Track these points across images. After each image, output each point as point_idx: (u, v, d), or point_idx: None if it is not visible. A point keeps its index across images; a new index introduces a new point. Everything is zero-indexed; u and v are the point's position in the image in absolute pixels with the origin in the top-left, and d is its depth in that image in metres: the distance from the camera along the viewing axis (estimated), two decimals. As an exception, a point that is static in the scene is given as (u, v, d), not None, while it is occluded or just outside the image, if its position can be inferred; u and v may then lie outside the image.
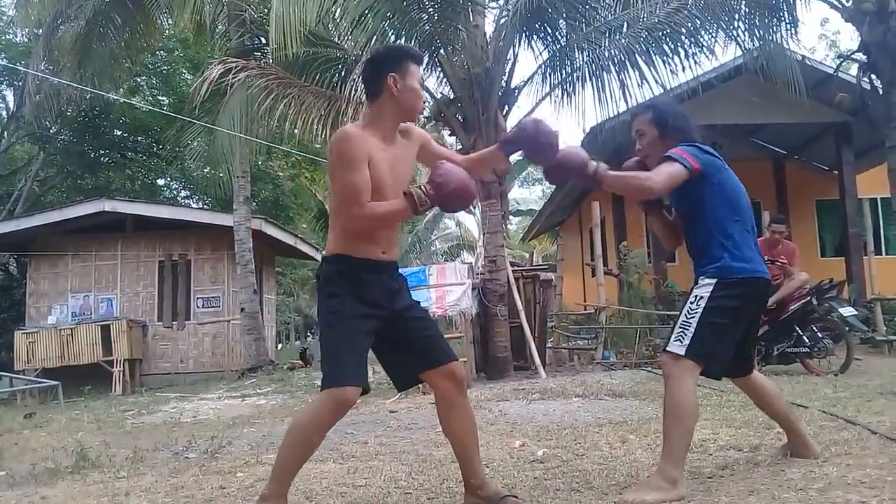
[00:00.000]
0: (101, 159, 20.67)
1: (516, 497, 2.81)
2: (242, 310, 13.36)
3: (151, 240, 14.38)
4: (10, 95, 19.31)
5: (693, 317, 2.90)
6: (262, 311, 14.65)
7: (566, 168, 2.98)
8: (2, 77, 18.53)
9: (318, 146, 14.26)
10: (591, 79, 9.39)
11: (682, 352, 2.86)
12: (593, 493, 2.93)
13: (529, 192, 37.16)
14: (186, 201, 23.24)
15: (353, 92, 9.31)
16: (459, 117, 9.47)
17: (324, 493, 3.24)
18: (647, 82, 9.27)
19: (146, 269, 14.39)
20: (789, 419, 3.26)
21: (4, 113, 19.66)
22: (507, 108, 9.52)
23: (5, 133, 19.36)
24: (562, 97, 9.71)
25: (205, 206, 20.64)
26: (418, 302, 3.00)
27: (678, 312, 3.03)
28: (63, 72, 13.02)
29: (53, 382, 10.01)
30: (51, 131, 18.65)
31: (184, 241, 14.39)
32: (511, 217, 26.55)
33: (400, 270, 2.93)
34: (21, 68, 15.34)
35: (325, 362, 2.67)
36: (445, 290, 7.92)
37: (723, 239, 2.98)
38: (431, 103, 9.79)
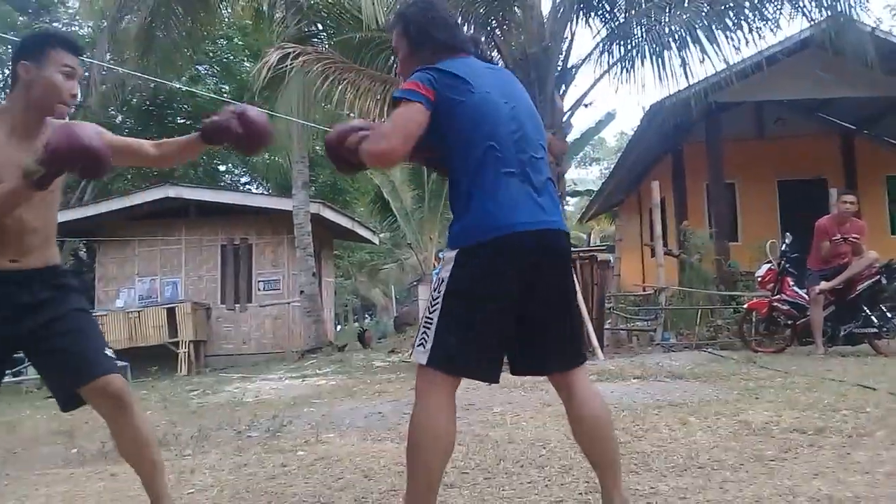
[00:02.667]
0: (165, 147, 21.17)
1: None
2: (302, 292, 13.57)
3: (214, 225, 14.69)
4: (77, 86, 19.91)
5: (434, 310, 2.17)
6: (321, 294, 14.86)
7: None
8: (70, 68, 19.11)
9: (374, 130, 14.33)
10: (650, 56, 9.20)
11: (423, 360, 2.16)
12: (652, 474, 2.89)
13: (587, 173, 36.84)
14: (247, 187, 23.67)
15: (408, 75, 9.32)
16: (515, 98, 9.39)
17: (382, 472, 3.28)
18: (709, 58, 9.05)
19: (209, 252, 14.73)
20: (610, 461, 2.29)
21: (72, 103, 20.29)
22: (563, 87, 9.41)
23: (74, 122, 19.99)
24: (620, 75, 9.55)
25: (265, 192, 20.98)
26: (80, 309, 2.52)
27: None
28: (127, 62, 13.37)
29: (122, 363, 10.34)
30: (116, 120, 19.16)
31: (245, 225, 14.68)
32: (568, 198, 26.31)
33: (47, 277, 2.47)
34: (87, 59, 15.79)
35: None
36: (502, 272, 7.89)
37: (464, 189, 2.18)
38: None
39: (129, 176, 21.40)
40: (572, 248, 9.77)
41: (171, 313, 13.26)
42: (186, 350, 12.94)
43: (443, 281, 2.17)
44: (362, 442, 4.06)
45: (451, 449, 2.19)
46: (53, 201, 2.51)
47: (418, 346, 2.18)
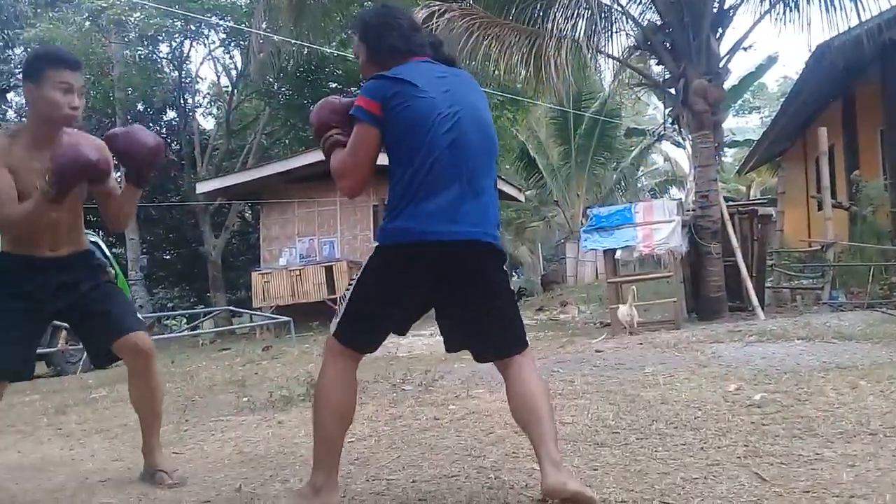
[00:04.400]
0: (320, 111, 21.93)
1: (167, 473, 2.91)
2: (451, 250, 13.78)
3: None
4: (237, 56, 20.94)
5: (348, 290, 2.41)
6: (470, 252, 15.01)
7: None
8: (230, 39, 20.11)
9: (519, 85, 14.17)
10: (818, -10, 8.51)
11: (332, 331, 2.41)
12: (817, 440, 2.74)
13: (746, 121, 34.85)
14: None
15: (554, 27, 9.11)
16: (667, 44, 8.98)
17: (531, 429, 3.30)
18: (886, -11, 8.24)
19: (362, 213, 15.24)
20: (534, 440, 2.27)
21: (234, 72, 21.38)
22: (720, 30, 8.87)
23: (235, 91, 21.10)
24: (783, 14, 8.90)
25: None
26: (108, 281, 3.04)
27: None
28: (281, 30, 13.89)
29: (286, 318, 10.97)
30: (274, 87, 20.05)
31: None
32: (726, 149, 25.01)
33: (80, 261, 2.95)
34: (245, 28, 16.56)
35: None
36: (653, 229, 7.64)
37: (393, 190, 2.30)
38: (637, 31, 9.37)
39: (286, 141, 22.47)
40: (730, 202, 9.32)
41: (328, 271, 13.89)
42: (343, 306, 13.54)
43: (360, 267, 2.40)
44: (512, 398, 4.10)
45: (349, 416, 2.41)
46: (80, 202, 2.94)
47: (334, 317, 2.41)
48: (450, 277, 2.30)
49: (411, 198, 2.23)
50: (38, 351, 8.47)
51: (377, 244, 2.34)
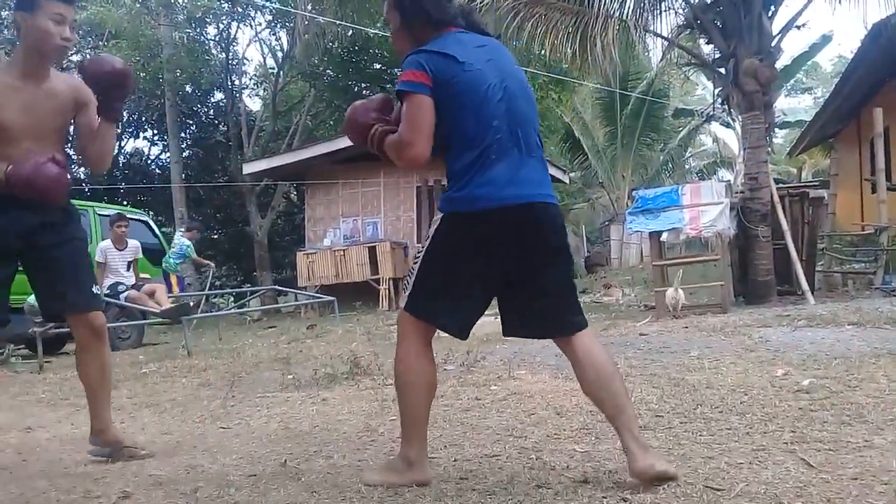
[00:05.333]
0: (363, 93, 22.01)
1: (137, 448, 3.03)
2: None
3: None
4: (283, 38, 21.05)
5: (416, 262, 2.37)
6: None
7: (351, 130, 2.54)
8: (276, 21, 20.23)
9: (564, 65, 14.02)
10: (875, -34, 8.22)
11: (403, 305, 2.40)
12: (867, 427, 2.68)
13: (798, 102, 34.03)
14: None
15: (601, 7, 8.97)
16: (717, 23, 8.77)
17: (574, 410, 3.30)
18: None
19: (405, 194, 15.27)
20: (613, 412, 2.30)
21: (280, 54, 21.52)
22: (773, 8, 8.63)
23: (281, 73, 21.25)
24: (838, -9, 8.62)
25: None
26: (78, 239, 3.00)
27: None
28: (326, 11, 13.94)
29: (330, 298, 11.06)
30: (319, 69, 20.14)
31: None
32: (776, 130, 24.40)
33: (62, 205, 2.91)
34: (291, 10, 16.63)
35: None
36: (700, 211, 7.50)
37: (454, 162, 2.30)
38: (686, 10, 9.18)
39: (331, 122, 22.58)
40: (780, 185, 9.11)
41: (371, 252, 13.97)
42: (387, 287, 13.62)
43: (428, 238, 2.36)
44: (553, 380, 4.10)
45: (433, 388, 2.43)
46: (60, 138, 2.95)
47: (404, 290, 2.41)
48: (510, 241, 2.26)
49: (479, 167, 2.25)
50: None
51: (441, 214, 2.33)
